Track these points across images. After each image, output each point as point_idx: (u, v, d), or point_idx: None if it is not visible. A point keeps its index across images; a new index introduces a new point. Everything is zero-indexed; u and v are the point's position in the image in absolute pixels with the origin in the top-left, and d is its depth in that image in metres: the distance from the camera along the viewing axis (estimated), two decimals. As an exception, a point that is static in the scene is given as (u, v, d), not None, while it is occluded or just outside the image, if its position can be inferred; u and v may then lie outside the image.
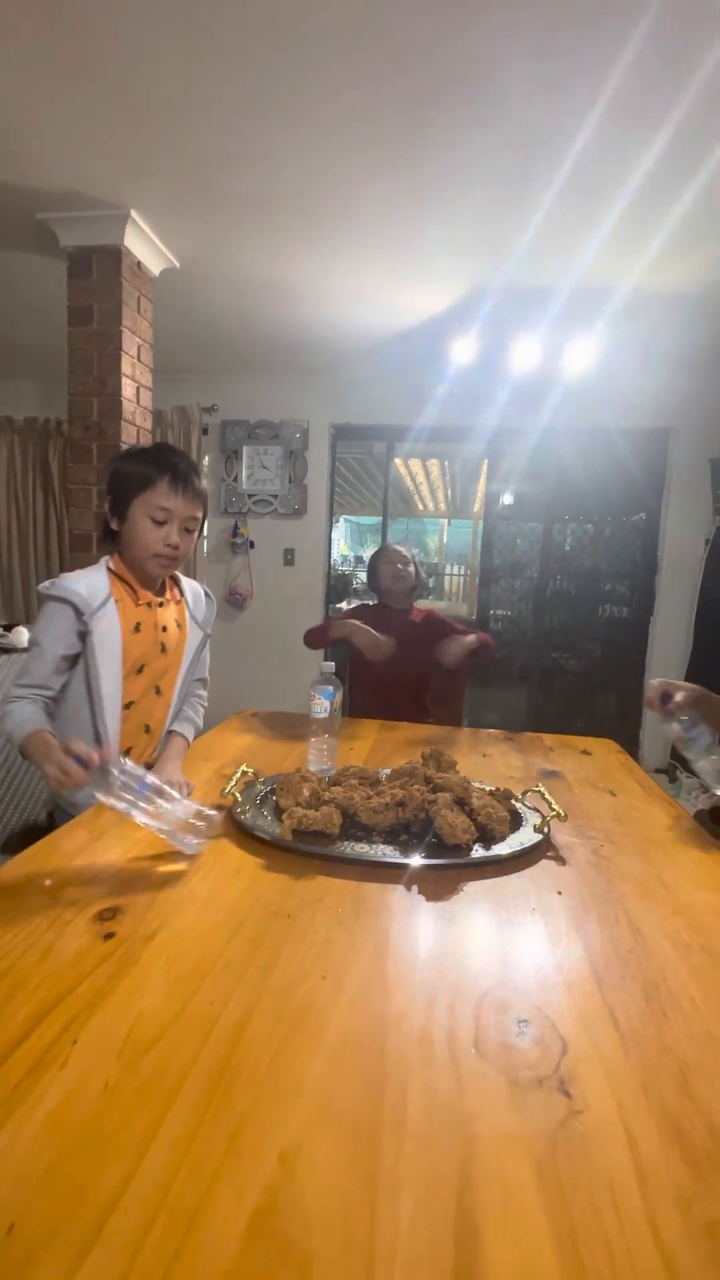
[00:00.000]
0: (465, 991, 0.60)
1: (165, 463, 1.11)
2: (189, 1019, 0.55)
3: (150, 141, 1.84)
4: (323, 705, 1.18)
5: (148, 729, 1.21)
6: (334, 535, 4.15)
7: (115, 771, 0.83)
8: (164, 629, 1.20)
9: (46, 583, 1.10)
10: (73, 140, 1.85)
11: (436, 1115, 0.47)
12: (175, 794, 0.86)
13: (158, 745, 1.23)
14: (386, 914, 0.74)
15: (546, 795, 1.01)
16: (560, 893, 0.80)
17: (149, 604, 1.18)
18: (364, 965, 0.64)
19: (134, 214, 2.19)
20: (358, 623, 1.77)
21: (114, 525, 1.15)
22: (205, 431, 3.89)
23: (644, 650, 3.73)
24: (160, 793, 0.85)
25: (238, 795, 0.98)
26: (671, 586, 3.60)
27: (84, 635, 1.08)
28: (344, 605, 5.38)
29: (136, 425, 2.43)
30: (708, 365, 3.29)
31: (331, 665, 1.22)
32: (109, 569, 1.16)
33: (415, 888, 0.80)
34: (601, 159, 1.79)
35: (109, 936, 0.66)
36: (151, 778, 0.85)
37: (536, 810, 1.01)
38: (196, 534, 1.19)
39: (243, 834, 0.93)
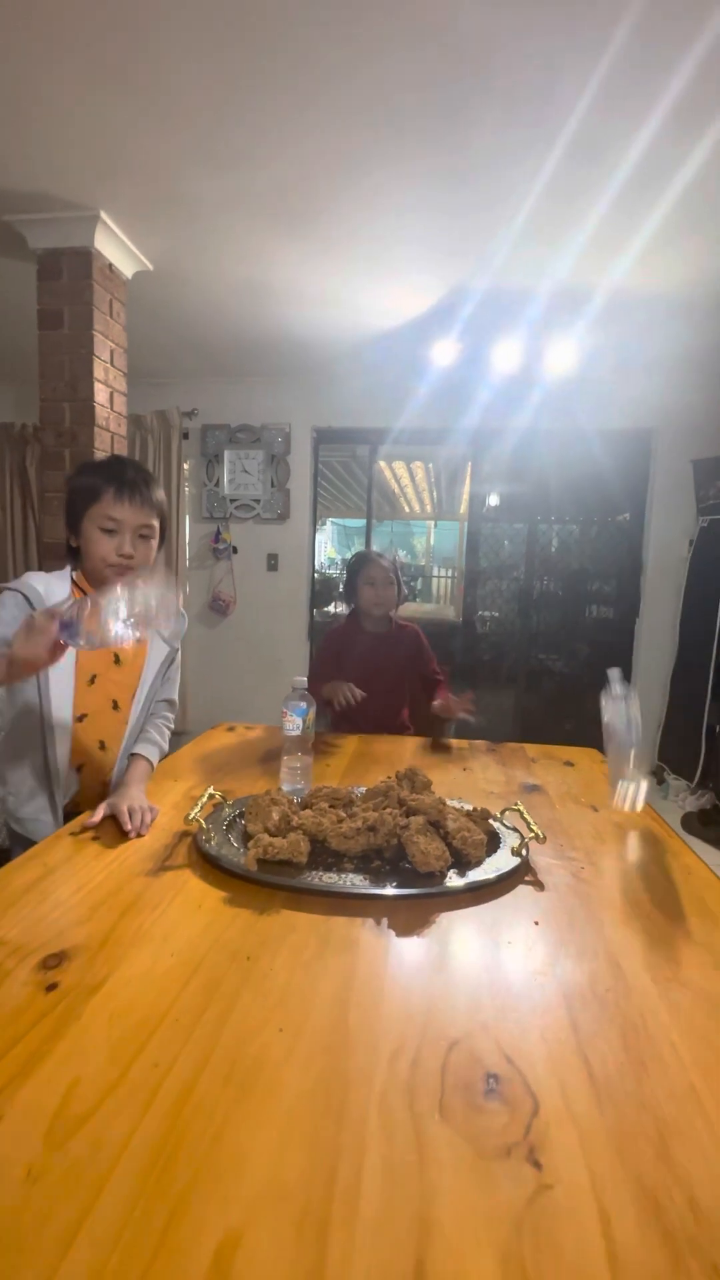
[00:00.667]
0: (432, 1042, 0.56)
1: (111, 472, 1.10)
2: (129, 1086, 0.50)
3: (119, 141, 1.79)
4: (295, 723, 1.14)
5: (103, 745, 1.17)
6: (320, 538, 4.11)
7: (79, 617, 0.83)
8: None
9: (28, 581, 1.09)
10: (41, 140, 1.80)
11: (393, 1196, 0.42)
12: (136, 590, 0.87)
13: (115, 763, 1.19)
14: (353, 952, 0.70)
15: (525, 815, 0.97)
16: (537, 923, 0.77)
17: None
18: (325, 1014, 0.60)
19: (104, 215, 2.14)
20: (335, 685, 1.68)
21: (73, 542, 1.14)
22: (186, 436, 3.84)
23: (630, 651, 3.72)
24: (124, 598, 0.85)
25: (203, 822, 0.94)
26: (657, 587, 3.59)
27: None
28: (332, 609, 5.34)
29: (111, 431, 2.38)
30: (689, 367, 3.28)
31: (304, 680, 1.17)
32: (72, 579, 1.15)
33: (385, 921, 0.76)
34: (580, 162, 1.77)
35: (51, 988, 0.62)
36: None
37: (515, 830, 0.97)
38: (156, 542, 1.16)
39: (206, 863, 0.88)
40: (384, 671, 1.85)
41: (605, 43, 1.40)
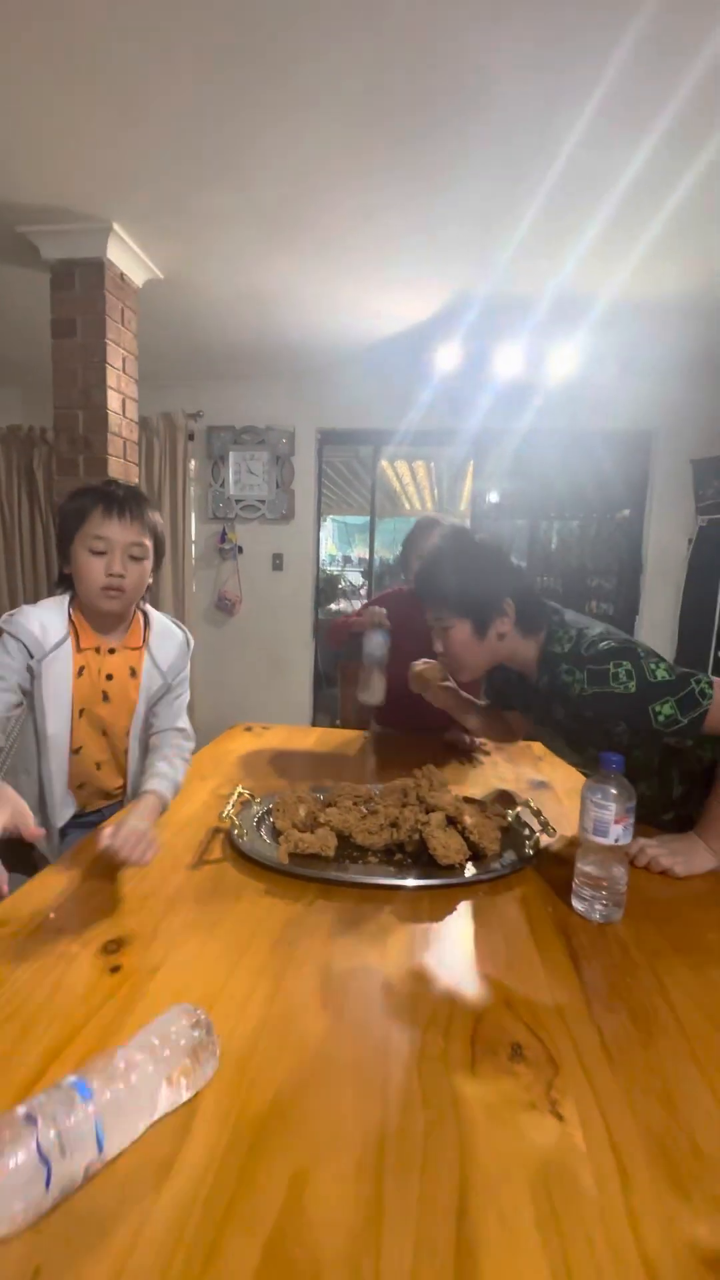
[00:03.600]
0: (461, 1015, 0.63)
1: (100, 492, 1.08)
2: (196, 1053, 0.57)
3: (130, 157, 1.84)
4: (379, 642, 1.47)
5: (99, 765, 1.18)
6: (321, 535, 4.16)
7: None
8: (109, 676, 1.14)
9: (5, 615, 1.07)
10: (53, 155, 1.85)
11: (437, 1142, 0.49)
12: None
13: (122, 774, 1.20)
14: (384, 937, 0.76)
15: (535, 809, 1.04)
16: (552, 910, 0.83)
17: (96, 649, 1.13)
18: (362, 992, 0.66)
19: (116, 226, 2.18)
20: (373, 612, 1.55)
21: (65, 569, 1.12)
22: (191, 437, 3.89)
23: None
24: None
25: (235, 818, 1.00)
26: (656, 585, 3.65)
27: (33, 676, 1.06)
28: (334, 607, 5.39)
29: (123, 438, 2.43)
30: (687, 370, 3.34)
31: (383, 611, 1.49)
32: (69, 613, 1.13)
33: (411, 909, 0.83)
34: (578, 177, 1.82)
35: (115, 970, 0.68)
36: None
37: (527, 825, 1.04)
38: (149, 564, 1.13)
39: (241, 857, 0.95)
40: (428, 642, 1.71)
41: (603, 66, 1.45)
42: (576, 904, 0.83)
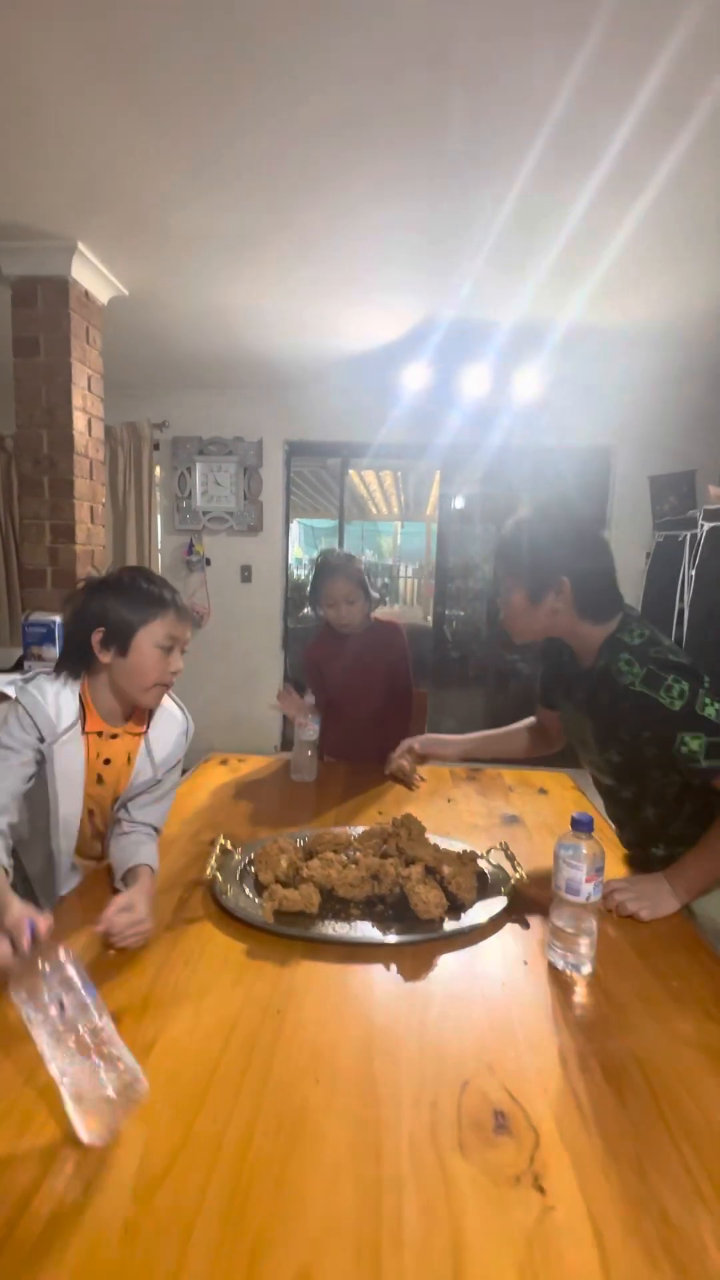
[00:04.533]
0: (447, 1084, 0.66)
1: (167, 592, 1.10)
2: (195, 1142, 0.59)
3: (96, 180, 1.82)
4: (312, 730, 1.58)
5: (87, 835, 1.18)
6: (289, 541, 4.16)
7: (46, 969, 0.64)
8: (106, 761, 1.13)
9: (18, 682, 1.06)
10: (17, 174, 1.81)
11: (429, 1224, 0.52)
12: (113, 1034, 0.63)
13: (100, 843, 1.19)
14: (369, 1001, 0.79)
15: (509, 854, 1.08)
16: (526, 963, 0.88)
17: (99, 733, 1.12)
18: (352, 1064, 0.69)
19: (81, 246, 2.15)
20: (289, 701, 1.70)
21: (105, 659, 1.07)
22: (157, 447, 3.84)
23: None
24: (94, 1025, 0.62)
25: (219, 875, 1.02)
26: (616, 597, 3.77)
27: (43, 758, 1.06)
28: (309, 611, 5.39)
29: (89, 458, 2.39)
30: (644, 390, 3.46)
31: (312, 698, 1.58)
32: (80, 692, 1.10)
33: (394, 966, 0.86)
34: (536, 208, 1.87)
35: (109, 1052, 0.69)
36: (92, 994, 0.64)
37: (501, 869, 1.08)
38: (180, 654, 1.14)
39: (223, 913, 0.96)
40: (367, 673, 1.78)
41: (546, 109, 1.48)
42: (552, 957, 0.87)
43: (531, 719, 1.40)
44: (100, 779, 1.13)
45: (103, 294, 2.40)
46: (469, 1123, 0.62)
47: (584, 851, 0.83)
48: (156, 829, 1.16)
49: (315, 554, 8.49)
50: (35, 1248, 0.50)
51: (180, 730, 1.21)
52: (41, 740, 1.04)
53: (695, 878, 0.99)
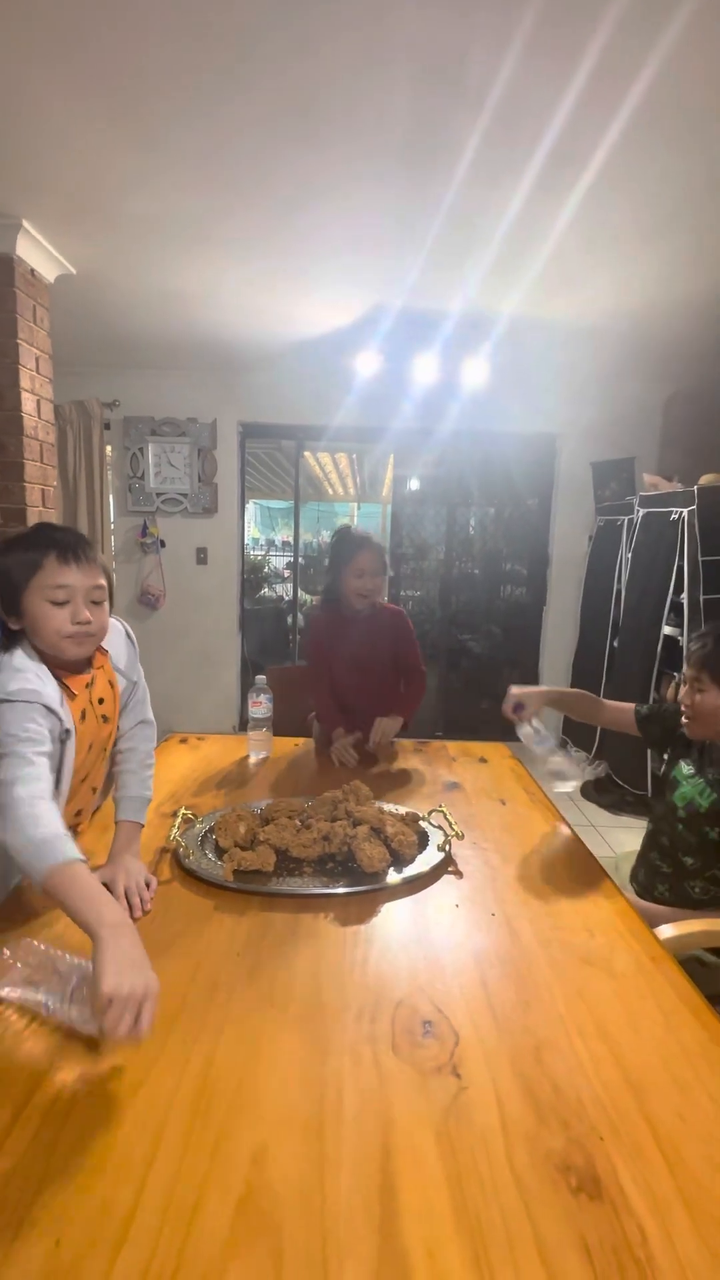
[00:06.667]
0: (383, 1003, 0.78)
1: (47, 540, 1.02)
2: (169, 1057, 0.69)
3: (40, 158, 1.79)
4: (265, 706, 1.64)
5: (94, 789, 1.22)
6: (245, 520, 4.18)
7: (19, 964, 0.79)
8: (100, 701, 1.14)
9: (12, 685, 0.97)
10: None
11: (364, 1107, 0.64)
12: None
13: (97, 799, 1.25)
14: (319, 942, 0.90)
15: (448, 815, 1.21)
16: (457, 905, 1.00)
17: (86, 685, 1.11)
18: (304, 992, 0.80)
19: (26, 224, 2.11)
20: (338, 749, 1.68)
21: (14, 625, 1.03)
22: (108, 427, 3.78)
23: (539, 635, 4.09)
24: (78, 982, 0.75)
25: (181, 840, 1.10)
26: (561, 578, 3.96)
27: (65, 738, 1.03)
28: (266, 591, 5.42)
29: (40, 440, 2.38)
30: (586, 381, 3.61)
31: (264, 679, 1.67)
32: (39, 661, 1.04)
33: (342, 914, 0.97)
34: (475, 203, 1.93)
35: (86, 993, 0.78)
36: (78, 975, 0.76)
37: (440, 829, 1.20)
38: (108, 605, 1.10)
39: (189, 876, 1.05)
40: (374, 657, 1.82)
41: (478, 110, 1.55)
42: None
43: (626, 705, 1.47)
44: (105, 718, 1.14)
45: (49, 272, 2.36)
46: (401, 1030, 0.74)
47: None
48: (148, 721, 1.26)
49: (274, 533, 8.46)
50: (34, 1139, 0.59)
51: (121, 634, 1.23)
52: (60, 737, 1.01)
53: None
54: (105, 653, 1.18)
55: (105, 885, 0.94)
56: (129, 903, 0.96)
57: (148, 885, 1.01)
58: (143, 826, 1.14)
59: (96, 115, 1.63)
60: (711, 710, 1.21)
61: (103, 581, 1.08)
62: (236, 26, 1.36)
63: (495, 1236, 0.52)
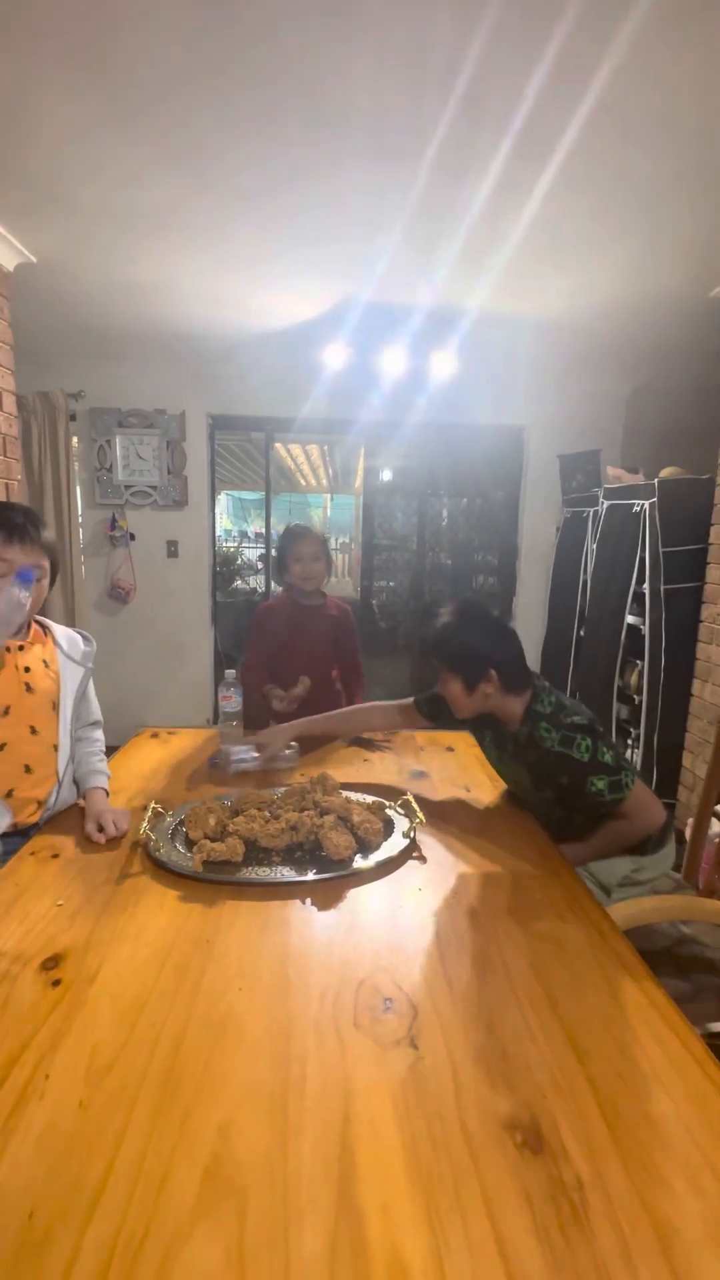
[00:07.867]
0: (347, 982, 0.82)
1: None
2: (137, 1040, 0.71)
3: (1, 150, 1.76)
4: (235, 701, 1.63)
5: (28, 769, 1.23)
6: (216, 510, 4.16)
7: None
8: (27, 669, 1.24)
9: None
10: None
11: (326, 1079, 0.67)
12: None
13: (53, 787, 1.27)
14: (287, 928, 0.93)
15: (413, 804, 1.25)
16: (420, 889, 1.04)
17: (7, 648, 1.21)
18: (271, 974, 0.83)
19: (-17, 211, 2.06)
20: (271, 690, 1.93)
21: None
22: (73, 418, 3.72)
23: (509, 623, 4.16)
24: None
25: (151, 834, 1.12)
26: (530, 568, 4.03)
27: None
28: (239, 583, 5.42)
29: (2, 433, 2.34)
30: (552, 374, 3.66)
31: (234, 673, 1.66)
32: None
33: (309, 900, 1.00)
34: (440, 198, 1.95)
35: (56, 984, 0.80)
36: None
37: (405, 816, 1.24)
38: (47, 583, 1.23)
39: (159, 869, 1.07)
40: (317, 640, 2.00)
41: (443, 106, 1.57)
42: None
43: (405, 702, 1.62)
44: (29, 687, 1.24)
45: (9, 261, 2.32)
46: (363, 1007, 0.77)
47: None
48: (97, 723, 1.43)
49: (246, 525, 8.40)
50: (4, 1125, 0.61)
51: (80, 637, 1.39)
52: None
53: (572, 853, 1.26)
54: (49, 636, 1.32)
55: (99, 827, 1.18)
56: (109, 830, 1.17)
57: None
58: (108, 792, 1.33)
59: (54, 101, 1.60)
60: (459, 695, 1.33)
61: (45, 562, 1.22)
62: (196, 9, 1.34)
63: (445, 1192, 0.56)
